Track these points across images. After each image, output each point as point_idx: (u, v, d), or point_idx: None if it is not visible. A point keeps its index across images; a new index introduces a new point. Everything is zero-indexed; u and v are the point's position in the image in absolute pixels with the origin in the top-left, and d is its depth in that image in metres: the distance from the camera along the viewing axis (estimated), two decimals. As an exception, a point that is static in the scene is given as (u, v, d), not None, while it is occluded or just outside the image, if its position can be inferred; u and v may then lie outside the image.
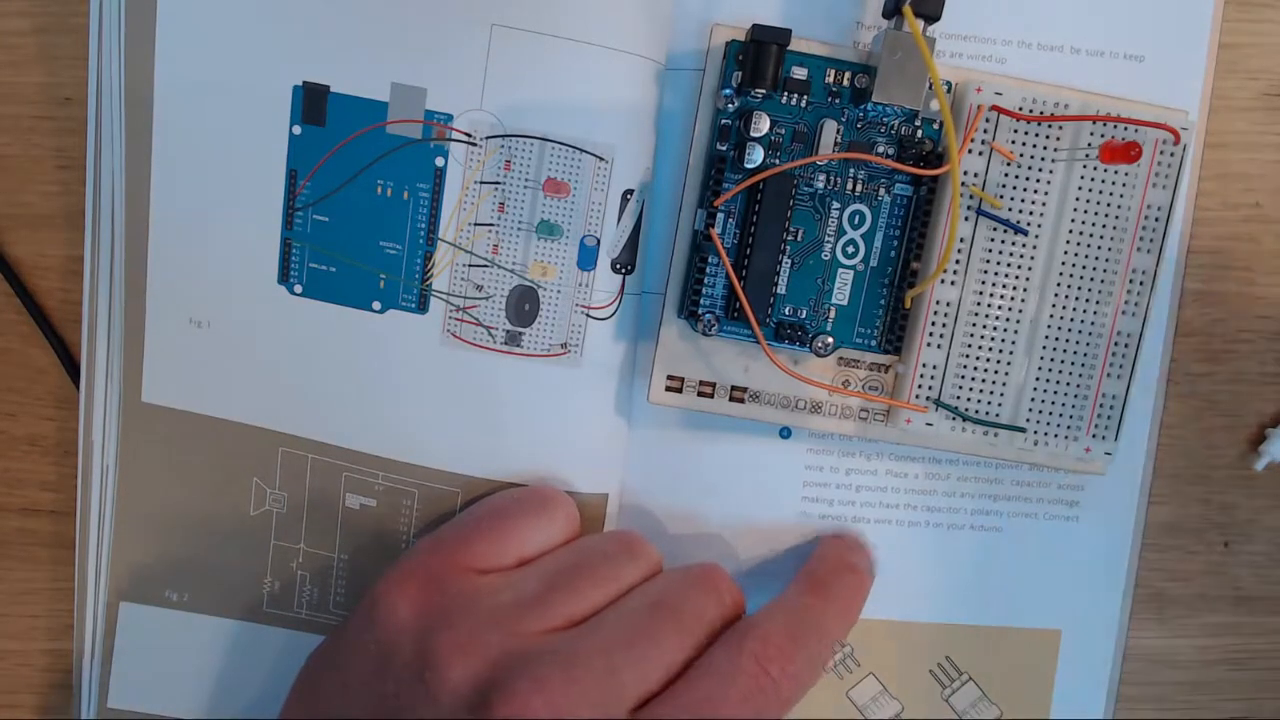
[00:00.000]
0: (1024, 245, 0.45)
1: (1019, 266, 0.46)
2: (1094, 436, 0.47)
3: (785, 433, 0.50)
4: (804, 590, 0.46)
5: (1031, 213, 0.45)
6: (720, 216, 0.46)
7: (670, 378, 0.48)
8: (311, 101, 0.46)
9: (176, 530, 0.50)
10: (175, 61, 0.46)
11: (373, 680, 0.42)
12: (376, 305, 0.48)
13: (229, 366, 0.49)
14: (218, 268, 0.48)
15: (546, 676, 0.39)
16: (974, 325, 0.46)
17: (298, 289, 0.48)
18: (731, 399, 0.48)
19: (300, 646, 0.51)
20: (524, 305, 0.47)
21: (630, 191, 0.47)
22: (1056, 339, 0.46)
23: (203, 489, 0.50)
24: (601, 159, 0.46)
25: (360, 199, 0.47)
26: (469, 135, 0.46)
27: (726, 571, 0.45)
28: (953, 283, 0.46)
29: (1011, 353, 0.46)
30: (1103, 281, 0.46)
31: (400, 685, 0.41)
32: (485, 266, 0.47)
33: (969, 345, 0.46)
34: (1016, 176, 0.45)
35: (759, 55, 0.45)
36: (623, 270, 0.48)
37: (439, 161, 0.47)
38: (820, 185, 0.46)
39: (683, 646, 0.41)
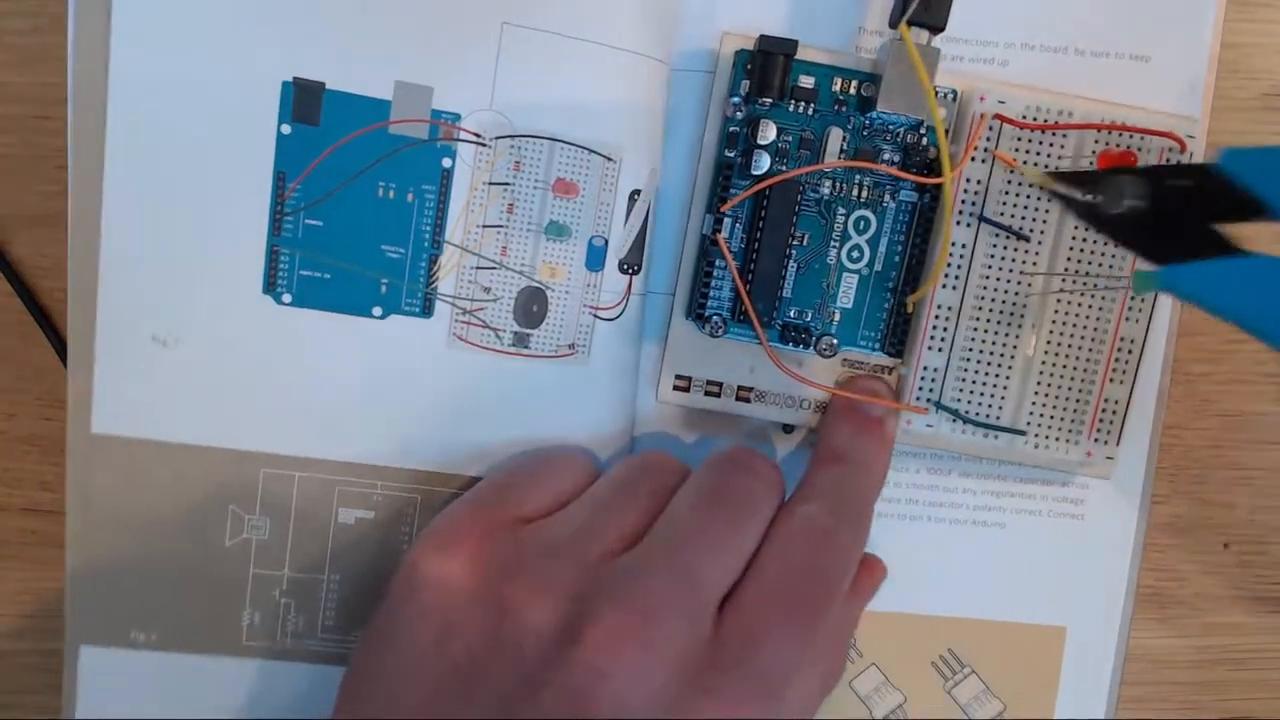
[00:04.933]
0: (1026, 251, 0.46)
1: (1021, 272, 0.46)
2: (1095, 440, 0.47)
3: (789, 427, 0.50)
4: (825, 461, 0.46)
5: (1034, 219, 0.46)
6: (728, 221, 0.46)
7: (678, 377, 0.48)
8: (303, 99, 0.45)
9: (140, 568, 0.48)
10: (135, 52, 0.44)
11: (436, 649, 0.40)
12: (377, 311, 0.47)
13: (203, 387, 0.46)
14: (189, 280, 0.46)
15: (627, 594, 0.39)
16: (975, 329, 0.47)
17: (286, 298, 0.46)
18: (738, 398, 0.48)
19: (286, 676, 0.49)
20: (532, 307, 0.47)
21: (637, 192, 0.47)
22: (1058, 343, 0.47)
23: (169, 523, 0.47)
24: (610, 159, 0.46)
25: (359, 202, 0.46)
26: (478, 135, 0.46)
27: (753, 449, 0.45)
28: (954, 288, 0.46)
29: (1013, 356, 0.47)
30: (1105, 287, 0.46)
31: (471, 645, 0.40)
32: (493, 268, 0.47)
33: (970, 349, 0.47)
34: (1019, 183, 0.46)
35: (766, 65, 0.45)
36: (630, 270, 0.48)
37: (446, 162, 0.46)
38: (826, 192, 0.47)
39: (744, 531, 0.42)
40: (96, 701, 0.48)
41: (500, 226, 0.47)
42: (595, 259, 0.47)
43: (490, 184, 0.46)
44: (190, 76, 0.45)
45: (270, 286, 0.46)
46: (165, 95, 0.45)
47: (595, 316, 0.48)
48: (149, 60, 0.44)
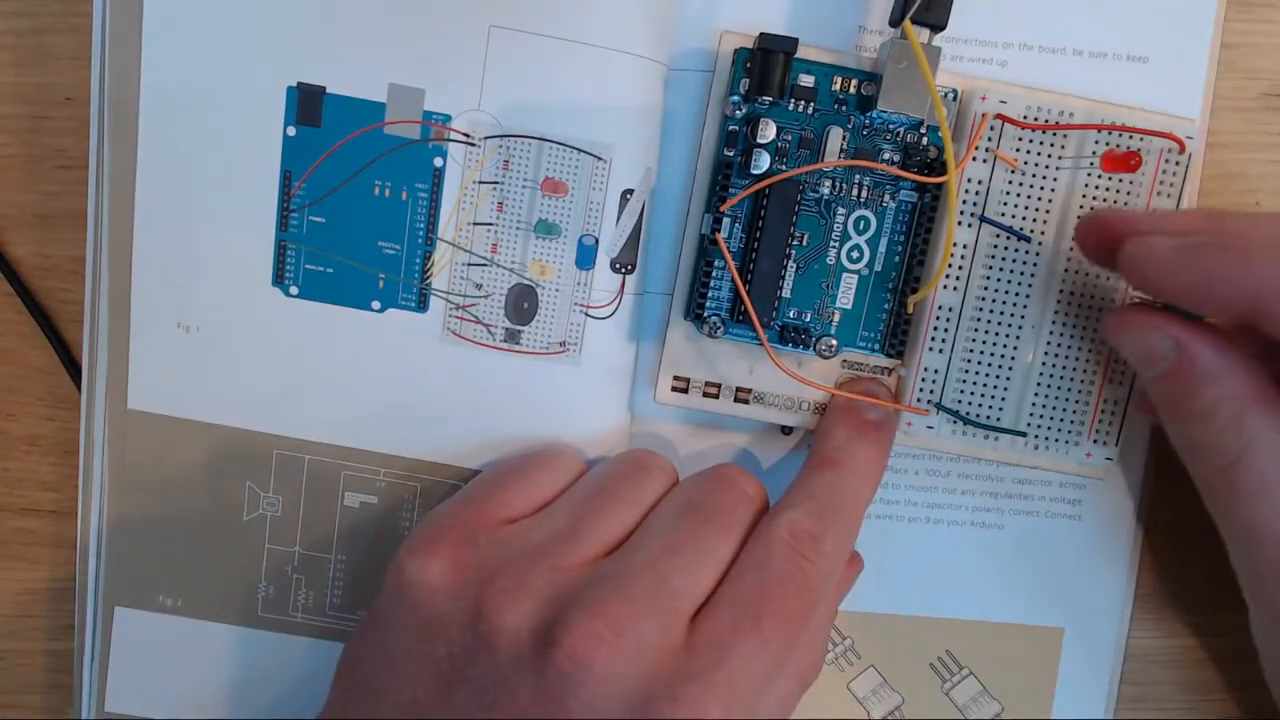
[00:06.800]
0: (1027, 251, 0.46)
1: (1022, 273, 0.46)
2: (1095, 442, 0.47)
3: (787, 429, 0.50)
4: (818, 465, 0.46)
5: (1035, 219, 0.46)
6: (727, 221, 0.46)
7: (676, 378, 0.48)
8: (306, 103, 0.46)
9: (168, 536, 0.50)
10: (163, 62, 0.46)
11: (419, 648, 0.41)
12: (376, 305, 0.48)
13: (220, 371, 0.48)
14: (208, 271, 0.48)
15: (601, 600, 0.39)
16: (976, 330, 0.46)
17: (293, 290, 0.48)
18: (736, 400, 0.48)
19: (296, 650, 0.51)
20: (523, 304, 0.48)
21: (630, 191, 0.47)
22: (1059, 344, 0.46)
23: (194, 495, 0.50)
24: (600, 159, 0.47)
25: (358, 199, 0.47)
26: (467, 136, 0.47)
27: (739, 467, 0.46)
28: (955, 288, 0.46)
29: (1013, 358, 0.46)
30: (1106, 288, 0.46)
31: (452, 645, 0.40)
32: (484, 265, 0.47)
33: (970, 350, 0.46)
34: (1020, 184, 0.45)
35: (766, 63, 0.45)
36: (623, 270, 0.48)
37: (437, 162, 0.47)
38: (825, 191, 0.46)
39: (722, 544, 0.42)
40: (127, 660, 0.51)
41: (490, 224, 0.47)
42: (585, 258, 0.47)
43: (480, 183, 0.47)
44: (207, 84, 0.47)
45: (279, 279, 0.48)
46: (186, 102, 0.47)
47: (586, 315, 0.48)
48: (173, 70, 0.46)
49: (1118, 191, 0.45)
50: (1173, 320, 0.41)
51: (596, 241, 0.47)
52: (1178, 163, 0.45)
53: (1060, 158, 0.45)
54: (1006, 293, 0.46)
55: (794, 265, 0.47)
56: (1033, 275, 0.46)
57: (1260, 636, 0.45)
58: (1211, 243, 0.40)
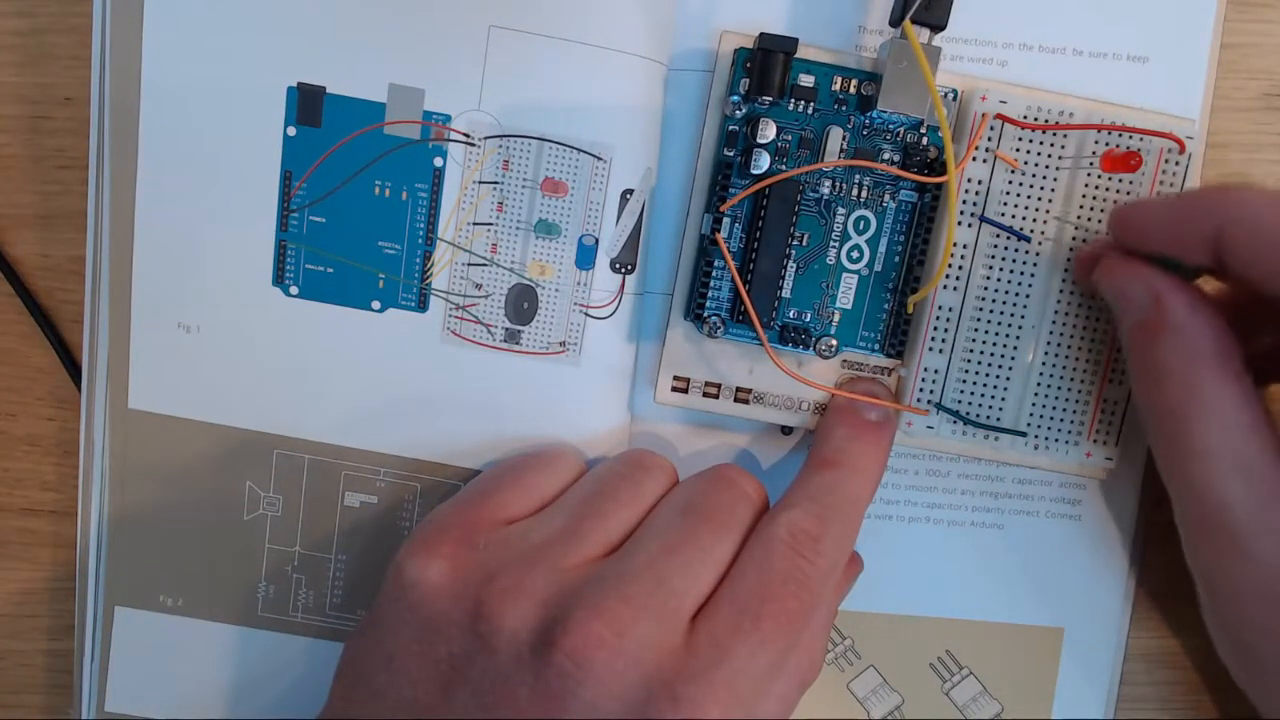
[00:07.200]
0: (1027, 251, 0.46)
1: (1022, 273, 0.46)
2: (1095, 442, 0.47)
3: (787, 429, 0.50)
4: (818, 465, 0.46)
5: (1035, 219, 0.46)
6: (727, 221, 0.46)
7: (676, 378, 0.48)
8: (306, 103, 0.46)
9: (169, 536, 0.50)
10: (163, 62, 0.46)
11: (419, 648, 0.41)
12: (376, 305, 0.48)
13: (220, 371, 0.48)
14: (208, 271, 0.48)
15: (601, 600, 0.39)
16: (976, 330, 0.46)
17: (294, 290, 0.48)
18: (736, 400, 0.48)
19: (296, 650, 0.51)
20: (522, 304, 0.48)
21: (630, 191, 0.47)
22: (1059, 344, 0.46)
23: (195, 495, 0.50)
24: (599, 159, 0.46)
25: (358, 199, 0.47)
26: (467, 136, 0.47)
27: (739, 467, 0.46)
28: (955, 288, 0.46)
29: (1014, 358, 0.46)
30: (1106, 288, 0.46)
31: (452, 645, 0.40)
32: (484, 265, 0.47)
33: (971, 350, 0.46)
34: (1020, 183, 0.45)
35: (766, 63, 0.45)
36: (622, 270, 0.48)
37: (437, 162, 0.47)
38: (825, 191, 0.46)
39: (721, 544, 0.42)
40: (127, 660, 0.51)
41: (490, 224, 0.47)
42: (585, 257, 0.47)
43: (479, 183, 0.47)
44: (207, 84, 0.46)
45: (279, 279, 0.48)
46: (186, 102, 0.47)
47: (586, 315, 0.48)
48: (174, 70, 0.46)
49: (1118, 191, 0.45)
50: (1157, 274, 0.42)
51: (596, 241, 0.47)
52: (1178, 163, 0.45)
53: (1060, 158, 0.45)
54: (1006, 293, 0.46)
55: (794, 265, 0.47)
56: (1033, 275, 0.46)
57: (1207, 615, 0.45)
58: (1193, 188, 0.44)
